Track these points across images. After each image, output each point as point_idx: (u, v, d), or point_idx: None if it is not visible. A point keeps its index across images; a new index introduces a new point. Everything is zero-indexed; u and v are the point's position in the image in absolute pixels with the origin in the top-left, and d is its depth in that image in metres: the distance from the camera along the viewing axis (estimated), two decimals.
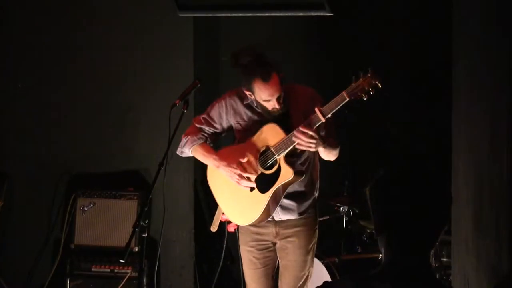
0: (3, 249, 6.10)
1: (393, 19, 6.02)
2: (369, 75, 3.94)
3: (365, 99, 3.95)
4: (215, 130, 4.46)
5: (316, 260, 5.34)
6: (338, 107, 4.01)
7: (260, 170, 4.28)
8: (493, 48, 3.62)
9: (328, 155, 4.28)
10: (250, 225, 4.43)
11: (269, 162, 4.25)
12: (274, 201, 4.28)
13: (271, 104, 4.19)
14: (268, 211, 4.30)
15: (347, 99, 3.97)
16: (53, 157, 6.06)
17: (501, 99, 3.42)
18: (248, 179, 4.28)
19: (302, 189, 4.37)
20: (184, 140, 4.48)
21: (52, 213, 6.05)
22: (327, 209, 5.80)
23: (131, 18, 5.95)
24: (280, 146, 4.18)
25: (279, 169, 4.22)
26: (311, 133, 4.03)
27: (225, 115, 4.42)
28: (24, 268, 6.05)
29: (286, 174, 4.19)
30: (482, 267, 3.76)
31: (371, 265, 5.46)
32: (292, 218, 4.38)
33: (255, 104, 4.33)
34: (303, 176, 4.27)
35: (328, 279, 5.26)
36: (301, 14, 4.94)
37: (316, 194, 4.46)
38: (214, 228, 4.57)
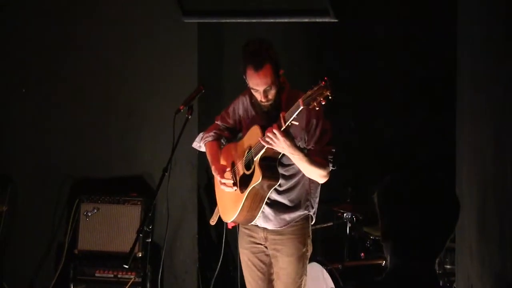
0: (6, 254, 6.10)
1: (395, 24, 6.02)
2: (322, 85, 3.83)
3: (317, 108, 3.86)
4: (227, 125, 4.54)
5: (319, 266, 5.36)
6: (295, 114, 3.93)
7: (243, 170, 4.33)
8: (497, 52, 3.62)
9: (304, 169, 4.22)
10: (245, 227, 4.51)
11: (249, 163, 4.30)
12: (256, 205, 4.31)
13: (258, 96, 4.23)
14: (252, 213, 4.33)
15: (301, 107, 3.89)
16: (57, 162, 6.07)
17: (506, 104, 3.42)
18: (227, 183, 4.34)
19: (286, 202, 4.36)
20: (200, 135, 4.61)
21: (55, 218, 6.05)
22: (330, 216, 5.80)
23: (136, 23, 5.96)
24: (256, 148, 4.21)
25: (253, 171, 4.26)
26: (275, 131, 3.98)
27: (237, 110, 4.50)
28: (28, 273, 6.05)
29: (256, 176, 4.21)
30: (486, 273, 3.75)
31: (374, 272, 5.45)
32: (269, 227, 4.40)
33: (257, 104, 4.35)
34: (276, 183, 4.25)
35: (331, 285, 5.26)
36: (306, 20, 4.94)
37: (306, 212, 4.41)
38: (213, 221, 4.65)
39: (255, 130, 4.26)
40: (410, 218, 2.42)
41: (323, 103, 3.83)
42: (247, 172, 4.30)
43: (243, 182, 4.32)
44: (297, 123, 4.04)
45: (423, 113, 5.95)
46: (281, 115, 4.01)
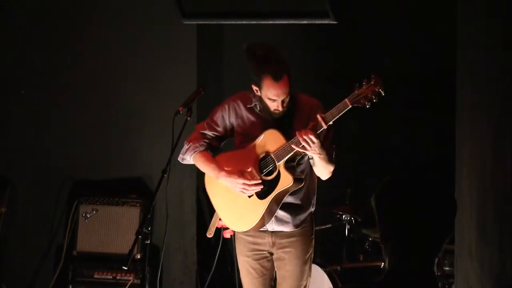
0: (5, 255, 6.09)
1: (395, 24, 6.03)
2: (372, 82, 3.94)
3: (368, 106, 3.94)
4: (217, 134, 4.43)
5: (318, 268, 5.36)
6: (340, 114, 4.00)
7: (260, 176, 4.27)
8: (497, 52, 3.63)
9: (322, 168, 4.23)
10: (247, 234, 4.43)
11: (269, 168, 4.24)
12: (270, 211, 4.27)
13: (275, 105, 4.18)
14: (263, 220, 4.29)
15: (350, 106, 3.96)
16: (56, 163, 6.06)
17: (506, 107, 3.43)
18: (254, 185, 4.24)
19: (298, 202, 4.35)
20: (186, 146, 4.45)
21: (54, 220, 6.04)
22: (329, 217, 5.79)
23: (135, 25, 5.96)
24: (280, 152, 4.17)
25: (278, 176, 4.21)
26: (310, 135, 4.00)
27: (227, 117, 4.40)
28: (27, 274, 6.04)
29: (286, 180, 4.18)
30: (485, 275, 3.76)
31: (373, 273, 5.45)
32: (286, 230, 4.37)
33: (258, 108, 4.31)
34: (302, 184, 4.25)
35: (330, 287, 5.26)
36: (305, 22, 4.94)
37: (312, 209, 4.43)
38: (210, 234, 4.55)
39: (274, 135, 4.21)
40: (408, 219, 2.42)
41: (375, 100, 3.92)
42: (268, 178, 4.24)
43: (260, 189, 4.27)
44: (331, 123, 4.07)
45: (422, 113, 5.95)
46: (318, 116, 4.02)
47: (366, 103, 3.93)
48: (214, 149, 4.47)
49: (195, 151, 4.41)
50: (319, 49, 6.21)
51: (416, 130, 5.99)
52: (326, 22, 4.76)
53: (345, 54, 6.06)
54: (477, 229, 3.94)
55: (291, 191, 4.26)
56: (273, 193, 4.22)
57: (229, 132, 4.44)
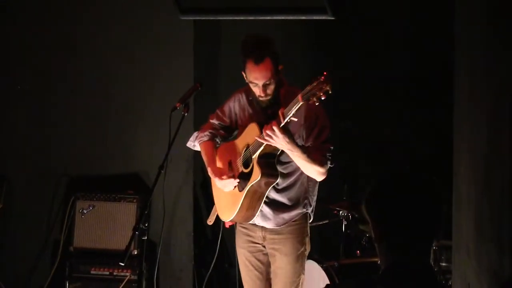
0: (2, 252, 6.09)
1: (394, 22, 6.02)
2: (321, 79, 3.81)
3: (317, 104, 3.84)
4: (223, 124, 4.50)
5: (315, 264, 5.36)
6: (294, 110, 3.92)
7: (241, 168, 4.32)
8: (495, 50, 3.63)
9: (303, 167, 4.21)
10: (242, 226, 4.48)
11: (247, 161, 4.29)
12: (249, 204, 4.29)
13: (257, 90, 4.20)
14: (251, 212, 4.31)
15: (300, 103, 3.88)
16: (52, 159, 6.06)
17: (504, 104, 3.43)
18: (228, 178, 4.31)
19: (285, 201, 4.35)
20: (195, 134, 4.58)
21: (51, 216, 6.04)
22: (326, 213, 5.79)
23: (132, 21, 5.95)
24: (255, 145, 4.19)
25: (252, 169, 4.24)
26: (274, 128, 3.97)
27: (233, 108, 4.47)
28: (23, 270, 6.04)
29: (255, 174, 4.20)
30: (483, 272, 3.76)
31: (370, 270, 5.46)
32: (268, 226, 4.39)
33: (254, 101, 4.34)
34: (276, 180, 4.23)
35: (327, 283, 5.26)
36: (303, 18, 4.94)
37: (305, 210, 4.40)
38: (210, 221, 4.63)
39: (252, 128, 4.25)
40: (399, 217, 2.44)
41: (323, 98, 3.81)
42: (246, 170, 4.28)
43: (241, 181, 4.30)
44: (295, 119, 4.02)
45: (420, 112, 5.95)
46: (279, 111, 4.00)
47: (315, 100, 3.81)
48: (224, 138, 4.54)
49: (200, 141, 4.53)
50: (317, 45, 6.21)
51: (416, 130, 5.98)
52: (323, 18, 4.75)
53: (343, 50, 6.05)
54: (475, 226, 3.95)
55: (272, 186, 4.25)
56: (247, 185, 4.24)
57: (234, 123, 4.50)
